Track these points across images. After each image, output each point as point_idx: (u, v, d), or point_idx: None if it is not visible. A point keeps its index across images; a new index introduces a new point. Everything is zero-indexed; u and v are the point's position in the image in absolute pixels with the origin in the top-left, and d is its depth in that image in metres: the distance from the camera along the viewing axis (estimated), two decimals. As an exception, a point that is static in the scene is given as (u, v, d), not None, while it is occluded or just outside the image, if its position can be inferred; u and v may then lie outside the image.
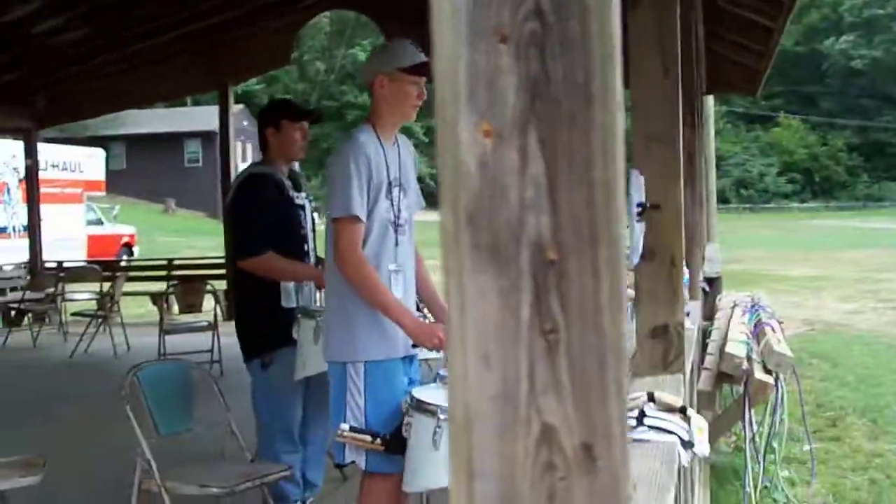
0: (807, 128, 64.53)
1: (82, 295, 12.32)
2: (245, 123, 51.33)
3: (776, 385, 5.29)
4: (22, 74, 12.77)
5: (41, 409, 7.64)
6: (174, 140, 44.54)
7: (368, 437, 3.40)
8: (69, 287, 12.38)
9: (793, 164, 62.87)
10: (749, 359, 5.17)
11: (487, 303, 0.79)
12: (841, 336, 12.13)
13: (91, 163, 22.03)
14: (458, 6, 0.77)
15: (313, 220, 4.92)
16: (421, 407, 3.07)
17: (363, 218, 3.51)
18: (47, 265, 14.06)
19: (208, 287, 9.94)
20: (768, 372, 5.07)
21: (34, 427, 6.80)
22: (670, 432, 2.54)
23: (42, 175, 20.54)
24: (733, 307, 6.95)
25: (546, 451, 0.79)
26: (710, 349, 5.63)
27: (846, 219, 47.00)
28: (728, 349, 5.05)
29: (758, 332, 5.97)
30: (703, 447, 2.57)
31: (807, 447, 7.18)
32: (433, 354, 4.00)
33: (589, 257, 0.78)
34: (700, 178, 5.80)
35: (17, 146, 21.43)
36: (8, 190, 19.40)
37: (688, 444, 2.54)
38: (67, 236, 19.75)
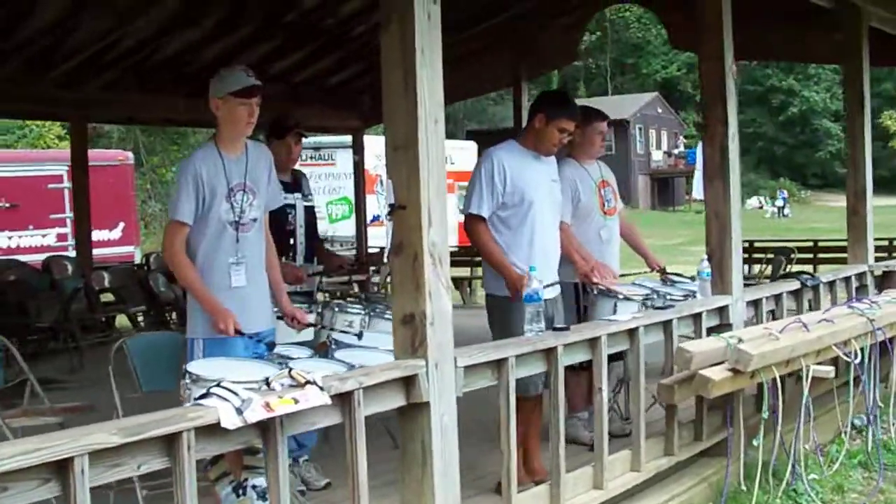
0: None
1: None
2: (659, 111, 51.82)
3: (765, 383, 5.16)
4: (348, 76, 14.37)
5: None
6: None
7: (199, 402, 4.12)
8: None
9: None
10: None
11: None
12: None
13: (462, 155, 23.71)
14: None
15: (312, 217, 5.68)
16: (188, 375, 3.77)
17: (185, 221, 4.25)
18: (370, 251, 15.61)
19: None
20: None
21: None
22: (226, 400, 3.07)
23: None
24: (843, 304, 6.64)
25: None
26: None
27: None
28: (684, 344, 5.06)
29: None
30: (253, 414, 3.05)
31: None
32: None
33: None
34: (729, 173, 5.71)
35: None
36: (381, 181, 21.61)
37: (238, 411, 3.05)
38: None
